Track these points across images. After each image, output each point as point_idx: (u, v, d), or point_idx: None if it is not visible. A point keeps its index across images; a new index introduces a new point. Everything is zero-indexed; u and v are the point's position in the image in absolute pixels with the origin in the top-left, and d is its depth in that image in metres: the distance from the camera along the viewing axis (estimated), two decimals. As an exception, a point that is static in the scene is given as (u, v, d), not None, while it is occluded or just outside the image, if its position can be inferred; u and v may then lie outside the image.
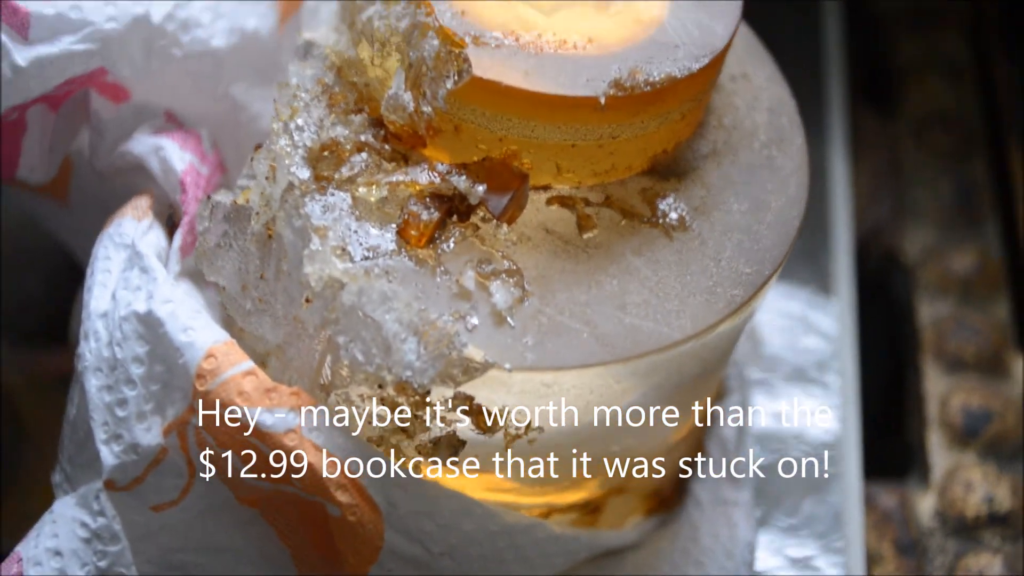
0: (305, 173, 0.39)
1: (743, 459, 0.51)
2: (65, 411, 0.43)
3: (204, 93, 0.48)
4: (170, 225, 0.45)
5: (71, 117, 0.47)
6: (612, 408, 0.40)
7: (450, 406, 0.37)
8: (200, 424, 0.39)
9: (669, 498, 0.49)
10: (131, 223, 0.43)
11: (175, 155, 0.45)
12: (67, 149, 0.48)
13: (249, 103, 0.49)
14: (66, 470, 0.42)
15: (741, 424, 0.52)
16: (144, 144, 0.45)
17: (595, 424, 0.40)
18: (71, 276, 0.58)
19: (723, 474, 0.50)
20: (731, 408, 0.52)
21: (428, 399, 0.37)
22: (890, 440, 0.58)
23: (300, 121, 0.41)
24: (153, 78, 0.46)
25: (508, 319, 0.37)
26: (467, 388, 0.37)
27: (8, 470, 0.53)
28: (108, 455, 0.39)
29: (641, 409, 0.41)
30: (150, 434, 0.40)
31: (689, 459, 0.50)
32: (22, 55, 0.42)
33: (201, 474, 0.40)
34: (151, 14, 0.45)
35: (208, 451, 0.40)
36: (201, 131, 0.47)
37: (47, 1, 0.43)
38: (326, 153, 0.40)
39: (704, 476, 0.50)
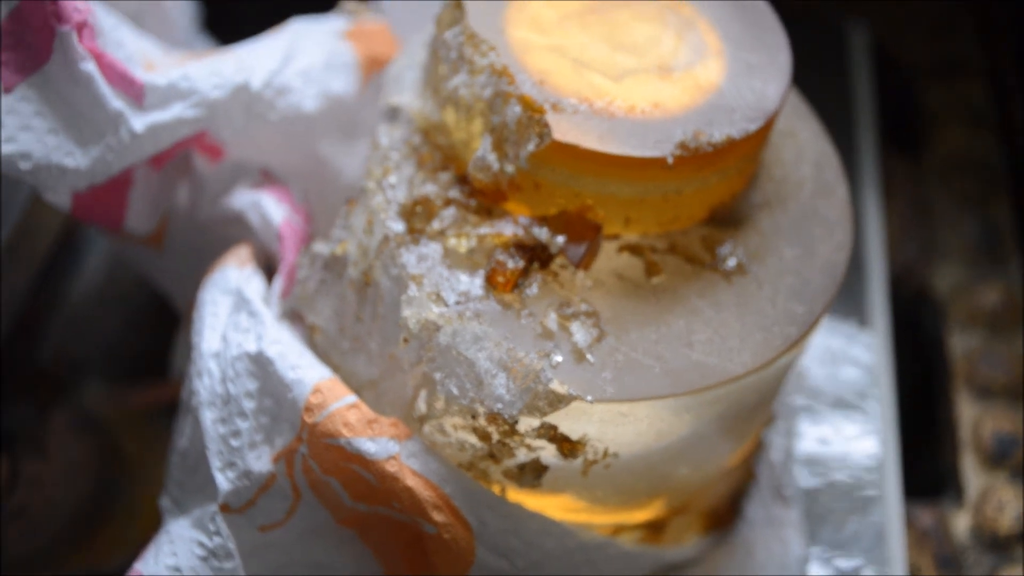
0: (399, 226, 0.43)
1: (790, 481, 0.55)
2: (172, 441, 0.47)
3: (294, 151, 0.52)
4: (267, 272, 0.49)
5: (173, 174, 0.51)
6: (679, 435, 0.44)
7: (536, 434, 0.41)
8: (307, 452, 0.43)
9: (725, 517, 0.53)
10: (234, 271, 0.47)
11: (272, 209, 0.49)
12: (168, 203, 0.52)
13: (333, 158, 0.53)
14: (175, 495, 0.46)
15: (788, 449, 0.56)
16: (244, 199, 0.50)
17: (664, 449, 0.44)
18: (155, 315, 0.62)
19: (773, 495, 0.54)
20: (779, 434, 0.56)
21: (516, 428, 0.41)
22: (926, 463, 0.61)
23: (393, 179, 0.45)
24: (249, 138, 0.50)
25: (588, 356, 0.41)
26: (551, 418, 0.41)
27: (107, 498, 0.57)
28: (223, 481, 0.43)
29: (704, 436, 0.44)
30: (260, 462, 0.43)
31: (742, 481, 0.54)
32: (139, 121, 0.46)
33: (305, 498, 0.44)
34: (251, 82, 0.49)
35: (312, 477, 0.43)
36: (292, 185, 0.51)
37: (157, 72, 0.47)
38: (418, 208, 0.44)
39: (756, 497, 0.53)
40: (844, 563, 0.53)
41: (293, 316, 0.47)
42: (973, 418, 0.60)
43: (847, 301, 0.63)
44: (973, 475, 0.58)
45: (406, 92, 0.48)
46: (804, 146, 0.49)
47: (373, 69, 0.53)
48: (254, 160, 0.51)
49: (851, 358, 0.61)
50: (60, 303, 0.63)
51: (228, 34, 0.56)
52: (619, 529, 0.48)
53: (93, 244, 0.65)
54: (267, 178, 0.51)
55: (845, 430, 0.58)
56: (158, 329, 0.60)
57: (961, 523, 0.57)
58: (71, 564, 0.55)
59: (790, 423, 0.57)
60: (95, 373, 0.61)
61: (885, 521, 0.55)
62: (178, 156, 0.51)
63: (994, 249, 0.67)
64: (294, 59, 0.51)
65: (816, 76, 0.58)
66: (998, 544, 0.55)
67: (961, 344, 0.63)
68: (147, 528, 0.47)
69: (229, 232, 0.51)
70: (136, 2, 0.54)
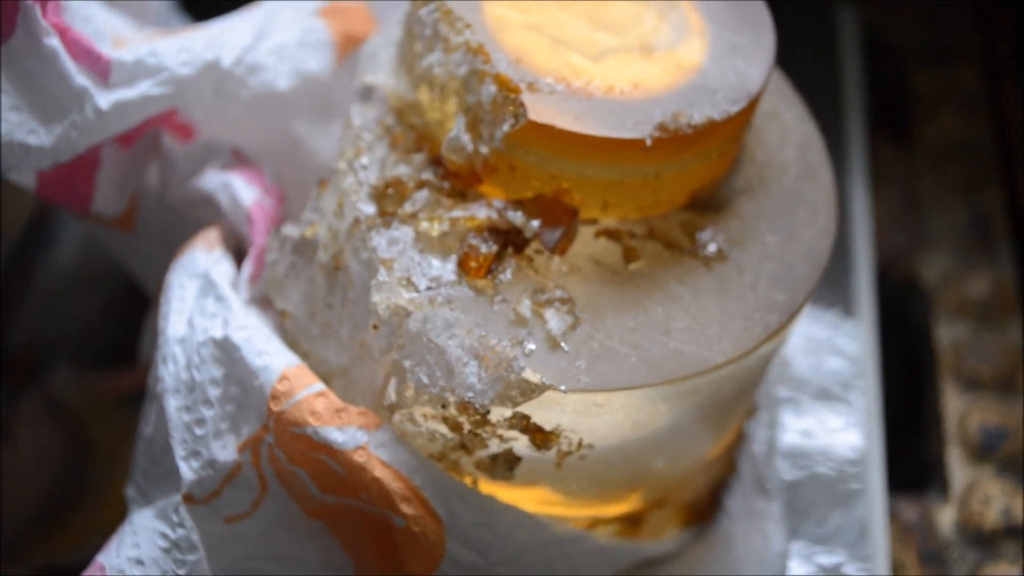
0: (370, 209, 0.42)
1: (772, 474, 0.54)
2: (139, 429, 0.46)
3: (267, 130, 0.50)
4: (235, 256, 0.48)
5: (142, 153, 0.50)
6: (656, 426, 0.43)
7: (508, 425, 0.40)
8: (273, 441, 0.42)
9: (704, 511, 0.52)
10: (203, 254, 0.46)
11: (243, 190, 0.48)
12: (137, 184, 0.51)
13: (307, 138, 0.52)
14: (140, 484, 0.45)
15: (770, 441, 0.55)
16: (214, 180, 0.48)
17: (640, 441, 0.43)
18: (129, 300, 0.61)
19: (754, 488, 0.53)
20: (761, 426, 0.55)
21: (488, 418, 0.40)
22: (911, 456, 0.60)
23: (365, 160, 0.43)
24: (220, 118, 0.49)
25: (562, 344, 0.40)
26: (524, 408, 0.40)
27: (75, 486, 0.56)
28: (187, 470, 0.42)
29: (682, 427, 0.43)
30: (226, 451, 0.42)
31: (723, 474, 0.53)
32: (104, 99, 0.45)
33: (271, 488, 0.43)
34: (221, 59, 0.47)
35: (279, 467, 0.42)
36: (264, 166, 0.50)
37: (125, 48, 0.46)
38: (390, 190, 0.42)
39: (736, 490, 0.53)
40: (826, 559, 0.53)
41: (263, 301, 0.46)
42: (959, 410, 0.59)
43: (833, 290, 0.62)
44: (959, 468, 0.57)
45: (381, 71, 0.47)
46: (788, 129, 0.48)
47: (349, 47, 0.52)
48: (226, 140, 0.50)
49: (836, 348, 0.60)
50: (31, 287, 0.62)
51: (205, 12, 0.55)
52: (595, 522, 0.47)
53: (66, 227, 0.64)
54: (239, 158, 0.50)
55: (829, 422, 0.57)
56: (131, 314, 0.59)
57: (946, 517, 0.56)
58: (40, 553, 0.54)
59: (773, 414, 0.56)
60: (65, 358, 0.60)
61: (868, 515, 0.54)
62: (147, 135, 0.49)
63: (984, 238, 0.66)
64: (267, 36, 0.50)
65: (805, 59, 0.57)
66: (983, 539, 0.55)
67: (948, 335, 0.62)
68: (117, 517, 0.46)
69: (200, 214, 0.50)
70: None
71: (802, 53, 0.56)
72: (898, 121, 0.73)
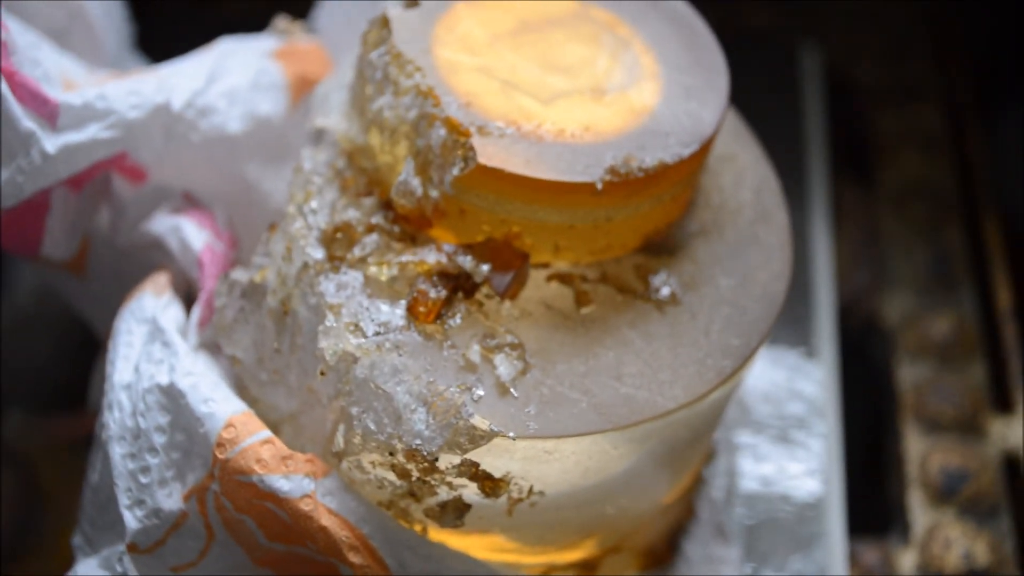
0: (319, 253, 0.42)
1: (731, 519, 0.53)
2: (86, 476, 0.45)
3: (219, 174, 0.50)
4: (187, 300, 0.47)
5: (92, 197, 0.49)
6: (609, 472, 0.42)
7: (457, 472, 0.39)
8: (219, 490, 0.41)
9: (662, 556, 0.51)
10: (151, 299, 0.45)
11: (193, 234, 0.47)
12: (87, 227, 0.50)
13: (260, 182, 0.51)
14: (87, 532, 0.44)
15: (729, 485, 0.54)
16: (163, 224, 0.48)
17: (593, 487, 0.42)
18: (82, 343, 0.60)
19: (713, 533, 0.52)
20: (719, 470, 0.54)
21: (436, 465, 0.39)
22: (872, 498, 0.59)
23: (314, 204, 0.43)
24: (171, 161, 0.49)
25: (511, 390, 0.39)
26: (473, 455, 0.39)
27: (26, 533, 0.55)
28: (131, 519, 0.41)
29: (636, 473, 0.43)
30: (171, 499, 0.41)
31: (681, 518, 0.52)
32: (51, 143, 0.44)
33: (218, 537, 0.42)
34: (171, 102, 0.47)
35: (226, 515, 0.41)
36: (216, 210, 0.50)
37: (74, 92, 0.45)
38: (339, 234, 0.42)
39: (695, 534, 0.52)
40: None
41: (215, 347, 0.46)
42: (921, 452, 0.59)
43: (794, 330, 0.62)
44: (920, 511, 0.57)
45: (332, 114, 0.46)
46: (743, 171, 0.48)
47: (303, 90, 0.51)
48: (177, 183, 0.50)
49: (796, 390, 0.60)
50: (-18, 329, 0.61)
51: (162, 53, 0.54)
52: (550, 569, 0.47)
53: (18, 269, 0.63)
54: (190, 202, 0.49)
55: (789, 466, 0.57)
56: (83, 357, 0.58)
57: (907, 561, 0.55)
58: (-12, 601, 0.53)
59: (731, 458, 0.55)
60: (17, 403, 0.59)
61: (828, 559, 0.53)
62: (98, 178, 0.49)
63: (946, 278, 0.66)
64: (219, 79, 0.49)
65: (767, 99, 0.57)
66: (945, 583, 0.54)
67: (910, 375, 0.62)
68: (67, 566, 0.45)
69: (152, 257, 0.49)
70: (62, 19, 0.52)
71: (764, 93, 0.56)
72: (860, 161, 0.73)
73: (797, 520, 0.55)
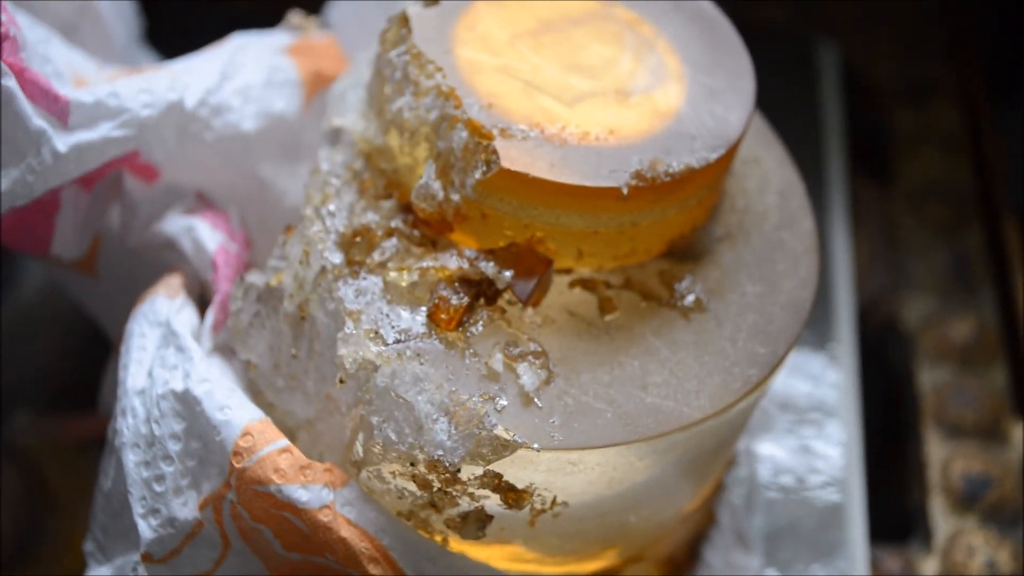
0: (338, 258, 0.41)
1: (751, 526, 0.53)
2: (97, 482, 0.44)
3: (232, 173, 0.49)
4: (200, 302, 0.47)
5: (103, 196, 0.48)
6: (633, 482, 0.41)
7: (479, 483, 0.39)
8: (236, 499, 0.40)
9: (683, 564, 0.50)
10: (164, 301, 0.44)
11: (206, 235, 0.46)
12: (98, 226, 0.49)
13: (274, 181, 0.50)
14: (99, 539, 0.43)
15: (749, 491, 0.53)
16: (176, 224, 0.47)
17: (616, 497, 0.41)
18: (89, 342, 0.59)
19: (734, 540, 0.51)
20: (739, 476, 0.53)
21: (458, 476, 0.38)
22: (893, 504, 0.58)
23: (332, 207, 0.42)
24: (184, 160, 0.48)
25: (535, 400, 0.39)
26: (495, 466, 0.38)
27: (34, 535, 0.54)
28: (146, 528, 0.40)
29: (660, 483, 0.42)
30: (186, 508, 0.41)
31: (701, 526, 0.51)
32: (62, 141, 0.43)
33: (234, 546, 0.41)
34: (185, 100, 0.46)
35: (242, 524, 0.41)
36: (230, 210, 0.49)
37: (85, 89, 0.44)
38: (358, 239, 0.41)
39: (716, 541, 0.51)
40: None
41: (229, 351, 0.45)
42: (942, 457, 0.58)
43: (813, 333, 0.61)
44: (942, 518, 0.56)
45: (349, 113, 0.45)
46: (768, 174, 0.47)
47: (318, 87, 0.50)
48: (190, 182, 0.49)
49: (817, 395, 0.59)
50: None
51: (172, 48, 0.53)
52: (570, 579, 0.46)
53: (26, 267, 0.63)
54: (203, 202, 0.48)
55: (810, 471, 0.56)
56: (91, 357, 0.57)
57: (929, 568, 0.54)
58: (-5, 604, 0.52)
59: (752, 464, 0.54)
60: (24, 403, 0.58)
61: (850, 567, 0.53)
62: (109, 177, 0.48)
63: (966, 280, 0.65)
64: (232, 76, 0.48)
65: (784, 99, 0.56)
66: (968, 592, 0.54)
67: (930, 379, 0.61)
68: (74, 567, 0.44)
69: (163, 257, 0.48)
70: (71, 14, 0.51)
71: (781, 93, 0.55)
72: (878, 161, 0.72)
73: (818, 527, 0.54)
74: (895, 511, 0.58)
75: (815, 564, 0.53)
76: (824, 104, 0.72)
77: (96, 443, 0.53)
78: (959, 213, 0.68)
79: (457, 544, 0.41)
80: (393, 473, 0.39)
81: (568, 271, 0.42)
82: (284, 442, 0.40)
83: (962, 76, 0.75)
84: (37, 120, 0.43)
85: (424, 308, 0.40)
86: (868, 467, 0.57)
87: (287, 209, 0.50)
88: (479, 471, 0.38)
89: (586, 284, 0.42)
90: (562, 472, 0.39)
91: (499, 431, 0.37)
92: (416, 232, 0.41)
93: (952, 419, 0.59)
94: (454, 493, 0.39)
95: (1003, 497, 0.56)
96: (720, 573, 0.50)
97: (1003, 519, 0.56)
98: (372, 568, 0.39)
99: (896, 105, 0.74)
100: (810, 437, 0.58)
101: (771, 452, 0.57)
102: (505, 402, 0.38)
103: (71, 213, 0.47)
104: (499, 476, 0.38)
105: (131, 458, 0.41)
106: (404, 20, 0.43)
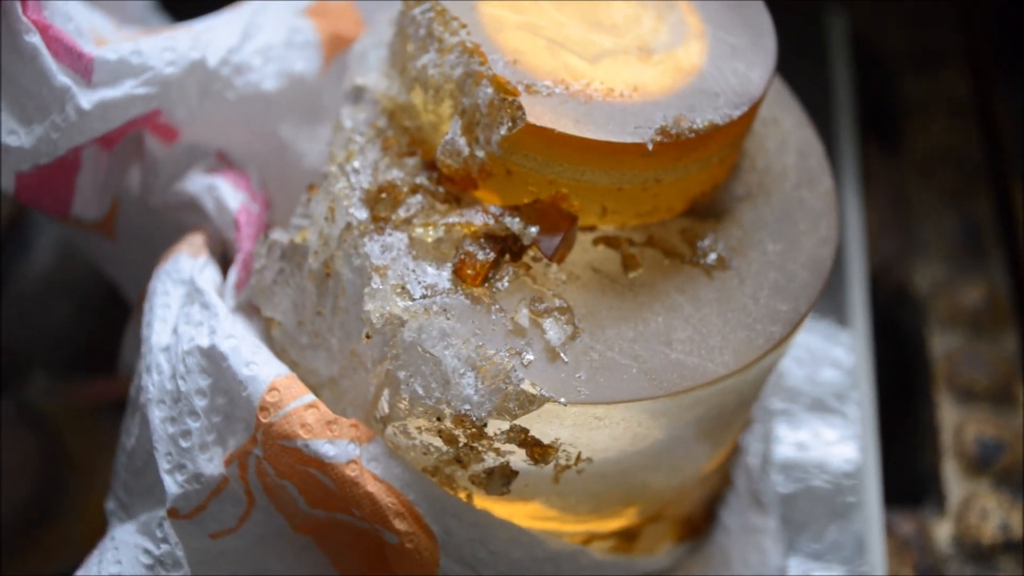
0: (363, 214, 0.41)
1: (768, 487, 0.53)
2: (120, 440, 0.44)
3: (253, 133, 0.49)
4: (223, 261, 0.47)
5: (123, 157, 0.49)
6: (656, 439, 0.41)
7: (505, 438, 0.39)
8: (262, 455, 0.40)
9: (700, 525, 0.51)
10: (187, 260, 0.44)
11: (229, 194, 0.46)
12: (118, 188, 0.50)
13: (294, 142, 0.50)
14: (121, 497, 0.44)
15: (765, 453, 0.54)
16: (198, 183, 0.47)
17: (639, 454, 0.42)
18: (106, 305, 0.59)
19: (750, 502, 0.52)
20: (756, 438, 0.54)
21: (484, 431, 0.38)
22: (906, 468, 0.59)
23: (356, 164, 0.42)
24: (205, 120, 0.48)
25: (561, 355, 0.39)
26: (521, 421, 0.38)
27: (52, 498, 0.54)
28: (172, 484, 0.41)
29: (682, 441, 0.42)
30: (212, 464, 0.41)
31: (718, 487, 0.52)
32: (86, 98, 0.43)
33: (259, 503, 0.41)
34: (207, 58, 0.46)
35: (267, 481, 0.41)
36: (250, 170, 0.49)
37: (108, 47, 0.44)
38: (383, 195, 0.41)
39: (732, 503, 0.52)
40: (822, 574, 0.52)
41: (250, 309, 0.45)
42: (955, 422, 0.58)
43: (826, 299, 0.61)
44: (955, 482, 0.56)
45: (371, 72, 0.45)
46: (787, 135, 0.47)
47: (337, 48, 0.50)
48: (210, 142, 0.49)
49: (830, 359, 0.59)
50: (5, 291, 0.60)
51: (186, 14, 0.53)
52: (591, 538, 0.46)
53: (42, 230, 0.63)
54: (224, 161, 0.48)
55: (824, 434, 0.57)
56: (108, 319, 0.58)
57: (943, 532, 0.55)
58: (14, 565, 0.53)
59: (768, 426, 0.55)
60: (41, 365, 0.58)
61: (865, 529, 0.53)
62: (129, 137, 0.48)
63: (976, 246, 0.65)
64: (253, 36, 0.48)
65: (794, 66, 0.56)
66: (981, 554, 0.54)
67: (942, 344, 0.62)
68: (94, 528, 0.45)
69: (183, 218, 0.48)
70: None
71: (791, 59, 0.55)
72: (887, 128, 0.72)
73: (834, 490, 0.54)
74: (909, 475, 0.58)
75: (831, 526, 0.53)
76: (833, 72, 0.72)
77: (113, 406, 0.53)
78: (969, 180, 0.68)
79: (481, 501, 0.42)
80: (419, 428, 0.39)
81: (592, 228, 0.42)
82: (311, 397, 0.40)
83: (970, 44, 0.75)
84: (61, 77, 0.43)
85: (450, 264, 0.40)
86: (882, 431, 0.58)
87: (306, 171, 0.50)
88: (505, 426, 0.38)
89: (610, 241, 0.42)
90: (587, 427, 0.39)
91: (526, 386, 0.37)
92: (441, 189, 0.42)
93: (964, 384, 0.59)
94: (480, 448, 0.39)
95: (1016, 461, 0.56)
96: (736, 534, 0.51)
97: (1016, 482, 0.56)
98: (398, 523, 0.39)
99: (905, 72, 0.74)
100: (826, 401, 0.58)
101: (786, 416, 0.57)
102: (531, 357, 0.38)
103: (91, 174, 0.47)
104: (525, 431, 0.39)
105: (157, 414, 0.41)
106: (428, -23, 0.43)
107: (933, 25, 0.77)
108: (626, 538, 0.47)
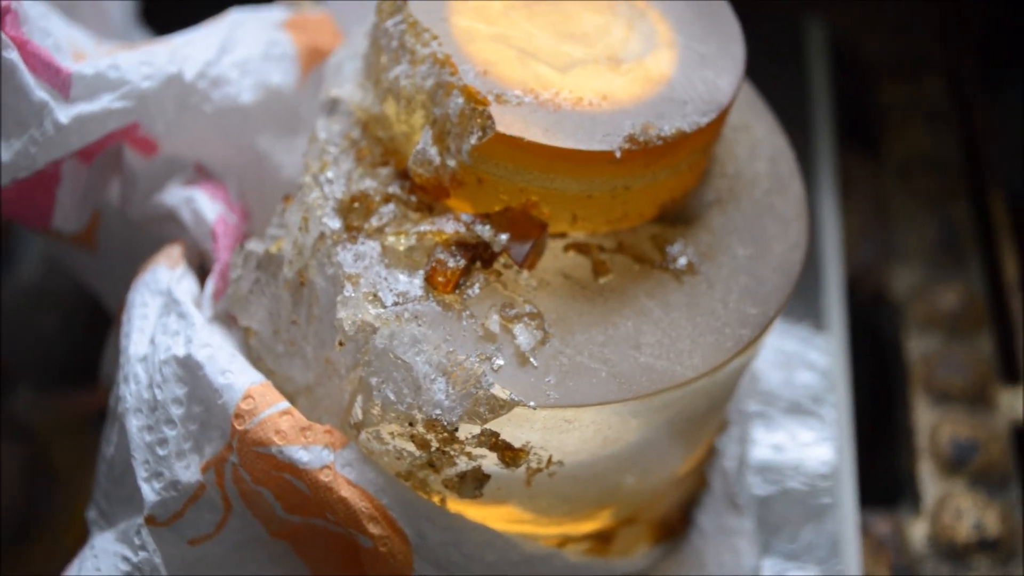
0: (336, 223, 0.41)
1: (744, 489, 0.53)
2: (100, 450, 0.45)
3: (231, 145, 0.50)
4: (201, 272, 0.47)
5: (103, 170, 0.49)
6: (627, 441, 0.42)
7: (477, 442, 0.39)
8: (237, 461, 0.41)
9: (675, 527, 0.51)
10: (165, 271, 0.45)
11: (206, 206, 0.47)
12: (98, 200, 0.50)
13: (272, 153, 0.51)
14: (101, 506, 0.44)
15: (742, 456, 0.54)
16: (177, 195, 0.47)
17: (611, 457, 0.42)
18: (90, 318, 0.60)
19: (726, 504, 0.52)
20: (732, 440, 0.54)
21: (456, 435, 0.39)
22: (882, 470, 0.59)
23: (330, 174, 0.43)
24: (183, 132, 0.48)
25: (531, 359, 0.39)
26: (493, 425, 0.39)
27: (37, 511, 0.55)
28: (149, 492, 0.41)
29: (653, 443, 0.43)
30: (189, 471, 0.41)
31: (694, 489, 0.52)
32: (64, 113, 0.44)
33: (236, 509, 0.42)
34: (184, 72, 0.47)
35: (243, 487, 0.41)
36: (228, 181, 0.49)
37: (86, 62, 0.45)
38: (356, 204, 0.42)
39: (708, 505, 0.52)
40: (797, 574, 0.52)
41: (228, 318, 0.46)
42: (931, 423, 0.59)
43: (803, 303, 0.62)
44: (931, 482, 0.57)
45: (346, 84, 0.46)
46: (758, 141, 0.48)
47: (314, 61, 0.51)
48: (189, 155, 0.49)
49: (807, 362, 0.60)
50: (-10, 304, 0.61)
51: (168, 28, 0.54)
52: (565, 540, 0.47)
53: (26, 243, 0.63)
54: (202, 174, 0.49)
55: (800, 436, 0.57)
56: (92, 332, 0.58)
57: (918, 531, 0.55)
58: (0, 577, 0.53)
59: (744, 429, 0.55)
60: (26, 378, 0.59)
61: (840, 530, 0.53)
62: (108, 150, 0.48)
63: (953, 250, 0.66)
64: (230, 50, 0.49)
65: (773, 73, 0.57)
66: (956, 553, 0.54)
67: (919, 347, 0.62)
68: (80, 541, 0.45)
69: (163, 230, 0.49)
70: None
71: (770, 66, 0.55)
72: (866, 134, 0.73)
73: (810, 491, 0.55)
74: (885, 475, 0.59)
75: (806, 526, 0.54)
76: (813, 78, 0.73)
77: (97, 417, 0.53)
78: (947, 185, 0.69)
79: (455, 504, 0.42)
80: (392, 434, 0.40)
81: (562, 235, 0.42)
82: (285, 404, 0.41)
83: (952, 51, 0.76)
84: (39, 92, 0.43)
85: (421, 271, 0.40)
86: (858, 433, 0.58)
87: (284, 181, 0.51)
88: (476, 430, 0.39)
89: (580, 248, 0.42)
90: (558, 430, 0.40)
91: (496, 390, 0.38)
92: (413, 198, 0.42)
93: (940, 386, 0.60)
94: (452, 452, 0.40)
95: (990, 461, 0.57)
96: (712, 536, 0.51)
97: (990, 482, 0.57)
98: (372, 527, 0.40)
99: (884, 78, 0.75)
100: (802, 404, 0.58)
101: (763, 418, 0.58)
102: (502, 362, 0.39)
103: (71, 186, 0.48)
104: (496, 435, 0.39)
105: (134, 423, 0.42)
106: (400, -11, 0.43)
107: (913, 33, 0.78)
108: (601, 540, 0.48)
